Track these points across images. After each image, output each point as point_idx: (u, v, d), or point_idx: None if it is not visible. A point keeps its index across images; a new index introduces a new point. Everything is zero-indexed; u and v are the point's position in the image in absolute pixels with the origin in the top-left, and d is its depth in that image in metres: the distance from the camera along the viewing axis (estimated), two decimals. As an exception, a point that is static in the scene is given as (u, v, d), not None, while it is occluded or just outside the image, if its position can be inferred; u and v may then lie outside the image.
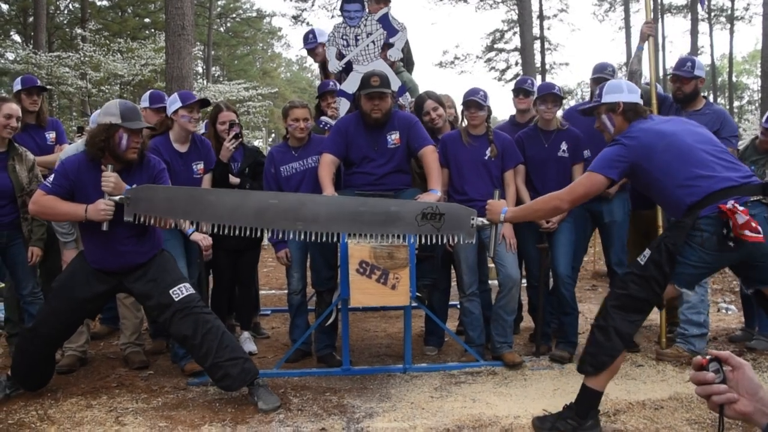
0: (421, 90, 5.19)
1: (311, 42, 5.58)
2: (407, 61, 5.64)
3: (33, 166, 4.39)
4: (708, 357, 1.38)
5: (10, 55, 20.76)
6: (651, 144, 3.01)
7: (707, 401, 1.38)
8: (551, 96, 4.42)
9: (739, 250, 2.79)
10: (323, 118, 5.03)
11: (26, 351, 3.68)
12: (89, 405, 3.62)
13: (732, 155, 3.07)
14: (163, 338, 4.82)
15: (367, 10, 5.01)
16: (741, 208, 2.71)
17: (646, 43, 4.79)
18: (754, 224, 2.69)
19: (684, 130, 3.07)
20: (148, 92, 5.09)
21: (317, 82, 6.60)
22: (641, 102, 3.33)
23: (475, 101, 4.33)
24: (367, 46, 4.92)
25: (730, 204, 2.74)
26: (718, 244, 2.82)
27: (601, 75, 4.76)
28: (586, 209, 4.49)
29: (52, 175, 3.59)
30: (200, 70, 29.71)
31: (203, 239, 4.21)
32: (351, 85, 4.93)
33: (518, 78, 5.08)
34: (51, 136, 5.10)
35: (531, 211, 3.43)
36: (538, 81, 6.17)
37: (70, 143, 5.39)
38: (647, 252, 2.97)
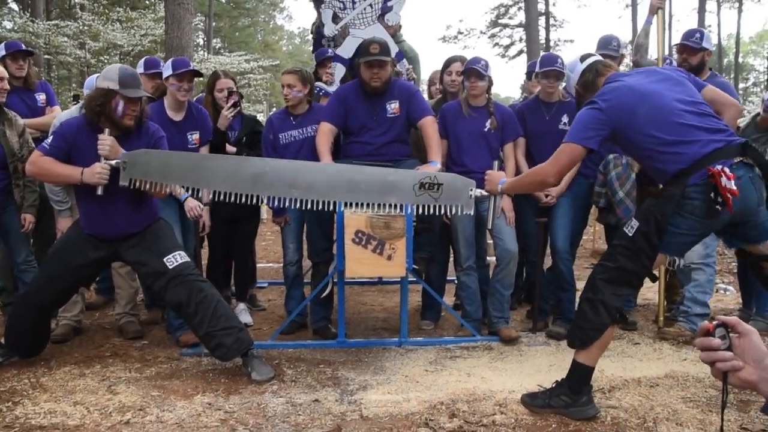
0: (423, 62, 5.12)
1: None
2: None
3: (23, 131, 4.33)
4: (715, 323, 1.34)
5: (8, 24, 20.63)
6: (630, 106, 2.86)
7: (711, 368, 1.35)
8: (554, 72, 4.35)
9: (726, 214, 2.73)
10: (318, 83, 4.95)
11: (20, 317, 3.66)
12: (82, 374, 3.60)
13: (710, 108, 2.94)
14: (158, 309, 4.80)
15: None
16: (729, 173, 2.65)
17: (655, 16, 4.69)
18: (732, 191, 2.63)
19: (663, 87, 2.92)
20: (144, 58, 5.03)
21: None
22: (585, 64, 3.20)
23: (475, 70, 4.25)
24: (364, 9, 4.81)
25: (718, 167, 2.67)
26: (707, 210, 2.75)
27: (605, 52, 4.66)
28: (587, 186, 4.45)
29: (51, 137, 3.58)
30: (201, 41, 29.50)
31: (192, 210, 4.17)
32: (347, 49, 4.84)
33: (544, 57, 4.66)
34: (41, 98, 5.04)
35: (522, 183, 3.35)
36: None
37: (63, 109, 5.34)
38: (635, 223, 2.88)
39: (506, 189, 3.35)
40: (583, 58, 3.26)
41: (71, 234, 3.73)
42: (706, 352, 1.34)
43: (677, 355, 3.94)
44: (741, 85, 38.19)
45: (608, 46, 4.73)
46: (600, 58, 3.27)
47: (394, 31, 4.99)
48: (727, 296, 5.88)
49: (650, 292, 5.43)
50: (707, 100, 3.03)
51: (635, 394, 3.30)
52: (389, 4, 4.82)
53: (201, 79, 4.80)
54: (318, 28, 5.57)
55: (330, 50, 5.10)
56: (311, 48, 6.10)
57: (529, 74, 5.07)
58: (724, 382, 1.34)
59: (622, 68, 3.88)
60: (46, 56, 18.86)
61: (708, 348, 1.33)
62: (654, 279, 3.07)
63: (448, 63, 4.74)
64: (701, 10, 28.11)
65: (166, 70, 4.26)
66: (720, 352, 1.32)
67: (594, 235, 8.87)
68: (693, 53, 4.45)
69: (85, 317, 4.66)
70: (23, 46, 5.06)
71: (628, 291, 2.94)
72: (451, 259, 4.76)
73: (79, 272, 3.66)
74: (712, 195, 2.70)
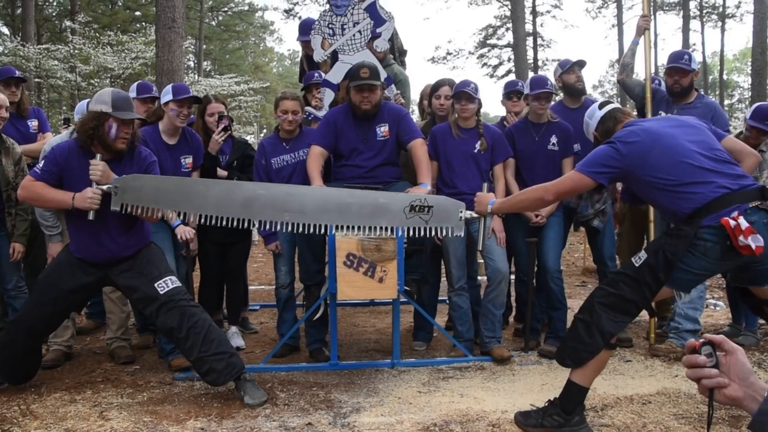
0: (413, 83, 5.16)
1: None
2: (399, 50, 5.58)
3: (20, 159, 4.33)
4: (701, 341, 1.37)
5: (-2, 48, 20.59)
6: (646, 149, 2.92)
7: (698, 385, 1.38)
8: (545, 93, 4.41)
9: (738, 259, 2.77)
10: (307, 108, 4.98)
11: (10, 344, 3.63)
12: (73, 400, 3.58)
13: (728, 155, 2.99)
14: (149, 333, 4.78)
15: None
16: (744, 226, 2.65)
17: (642, 37, 4.76)
18: (754, 246, 2.65)
19: (679, 132, 2.98)
20: (136, 83, 5.05)
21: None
22: (604, 112, 3.25)
23: (465, 93, 4.29)
24: (354, 35, 4.86)
25: (732, 222, 2.68)
26: (721, 252, 2.77)
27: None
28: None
29: (42, 162, 3.57)
30: (191, 64, 29.59)
31: (183, 233, 4.18)
32: (336, 75, 4.88)
33: (534, 79, 4.79)
34: (33, 124, 5.06)
35: (516, 201, 3.38)
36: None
37: (54, 134, 5.35)
38: (643, 254, 2.91)
39: (496, 209, 3.38)
40: (601, 105, 3.31)
41: (61, 259, 3.71)
42: (692, 369, 1.37)
43: (669, 372, 3.97)
44: (726, 102, 38.62)
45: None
46: (618, 105, 3.32)
47: (384, 56, 5.03)
48: (717, 312, 5.92)
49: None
50: (726, 149, 3.07)
51: (628, 411, 3.31)
52: (378, 30, 4.87)
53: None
54: (302, 62, 5.64)
55: (316, 74, 5.14)
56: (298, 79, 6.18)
57: (507, 94, 5.10)
58: (710, 398, 1.37)
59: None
60: (36, 80, 18.86)
61: (694, 365, 1.37)
62: (653, 314, 3.08)
63: (437, 87, 4.78)
64: (685, 30, 28.44)
65: (166, 95, 4.26)
66: (706, 369, 1.35)
67: (585, 253, 8.91)
68: (685, 75, 4.49)
69: (76, 342, 4.63)
70: (17, 73, 5.07)
71: (625, 318, 2.95)
72: (443, 279, 4.77)
73: (70, 297, 3.65)
74: (728, 242, 2.71)
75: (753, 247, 2.65)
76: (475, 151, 4.35)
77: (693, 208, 2.81)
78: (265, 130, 33.95)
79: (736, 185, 2.81)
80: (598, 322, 2.88)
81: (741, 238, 2.65)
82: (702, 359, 1.36)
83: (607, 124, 3.21)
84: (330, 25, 4.89)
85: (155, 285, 3.54)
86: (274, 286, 4.75)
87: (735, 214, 2.70)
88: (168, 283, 3.57)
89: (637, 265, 2.91)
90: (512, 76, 26.28)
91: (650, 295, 2.89)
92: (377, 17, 4.85)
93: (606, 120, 3.23)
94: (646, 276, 2.86)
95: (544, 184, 3.16)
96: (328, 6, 4.94)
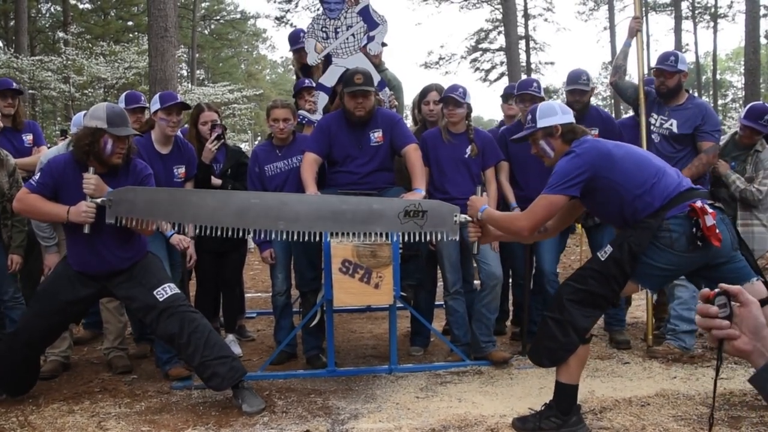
0: (405, 89, 5.16)
1: (302, 42, 5.47)
2: None
3: (14, 170, 4.32)
4: (716, 290, 1.36)
5: (-8, 60, 20.56)
6: (609, 153, 2.95)
7: (708, 334, 1.37)
8: (528, 95, 4.42)
9: (705, 251, 2.79)
10: (301, 112, 4.98)
11: (8, 355, 3.63)
12: (71, 410, 3.57)
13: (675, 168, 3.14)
14: (147, 342, 4.77)
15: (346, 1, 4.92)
16: (710, 210, 2.72)
17: (634, 39, 4.77)
18: (717, 231, 2.70)
19: (631, 145, 3.16)
20: (124, 93, 5.05)
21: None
22: (574, 121, 3.20)
23: (453, 98, 4.29)
24: (347, 39, 4.86)
25: (699, 203, 2.74)
26: (687, 244, 2.80)
27: (575, 87, 4.59)
28: None
29: (38, 174, 3.58)
30: (185, 73, 29.56)
31: (180, 242, 4.18)
32: (330, 78, 4.88)
33: (520, 81, 4.86)
34: (28, 138, 5.04)
35: (498, 224, 3.31)
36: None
37: (49, 146, 5.34)
38: (609, 248, 2.93)
39: (485, 219, 3.36)
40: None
41: (59, 271, 3.72)
42: (703, 318, 1.36)
43: (667, 374, 3.97)
44: (720, 102, 38.76)
45: (578, 80, 4.73)
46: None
47: (379, 59, 5.04)
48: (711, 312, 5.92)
49: (638, 310, 5.47)
50: None
51: (626, 413, 3.31)
52: (371, 33, 4.87)
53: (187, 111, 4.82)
54: (297, 75, 5.65)
55: (308, 81, 5.15)
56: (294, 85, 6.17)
57: (505, 97, 5.12)
58: (719, 349, 1.36)
59: (593, 101, 3.95)
60: (30, 91, 18.85)
61: (706, 315, 1.35)
62: (615, 306, 3.10)
63: (425, 93, 4.78)
64: (677, 30, 28.58)
65: (154, 104, 4.27)
66: (717, 320, 1.34)
67: (581, 255, 8.92)
68: (670, 76, 4.50)
69: (74, 353, 4.62)
70: (14, 85, 5.06)
71: (596, 312, 2.98)
72: (440, 284, 4.77)
73: (69, 309, 3.65)
74: (694, 230, 2.75)
75: (718, 230, 2.69)
76: (466, 156, 4.35)
77: (661, 204, 2.85)
78: (259, 138, 33.94)
79: (691, 185, 2.92)
80: (571, 320, 2.89)
81: (708, 218, 2.69)
82: (713, 309, 1.34)
83: (574, 131, 3.12)
84: (323, 29, 4.88)
85: (154, 293, 3.55)
86: (270, 294, 4.75)
87: (700, 201, 2.77)
88: (167, 290, 3.57)
89: (602, 259, 2.93)
90: (505, 80, 26.34)
91: (618, 288, 2.91)
92: (370, 20, 4.85)
93: (575, 127, 3.14)
94: (612, 269, 2.89)
95: (520, 216, 3.16)
96: (321, 10, 4.94)
